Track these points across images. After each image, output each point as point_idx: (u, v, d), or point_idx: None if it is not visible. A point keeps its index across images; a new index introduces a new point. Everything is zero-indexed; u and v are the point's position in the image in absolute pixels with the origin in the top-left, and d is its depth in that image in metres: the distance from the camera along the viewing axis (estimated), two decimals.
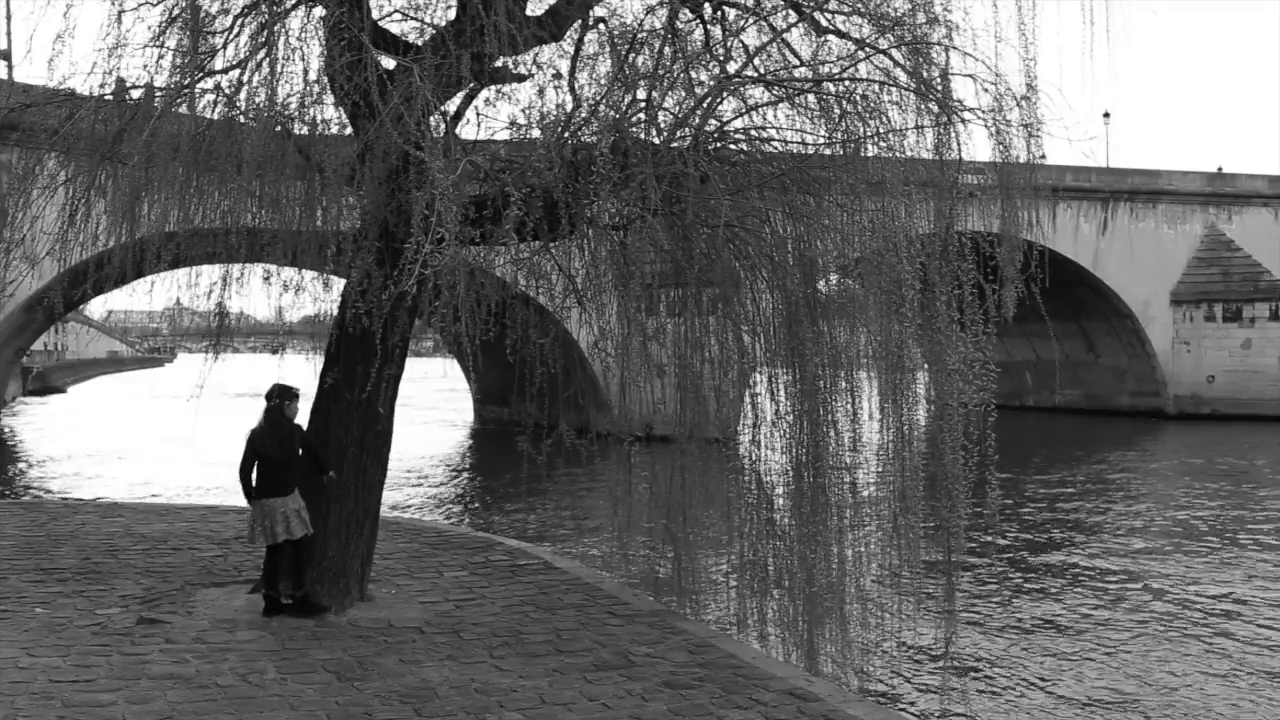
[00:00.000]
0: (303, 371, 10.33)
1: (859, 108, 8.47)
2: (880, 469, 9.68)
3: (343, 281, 9.08)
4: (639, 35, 8.74)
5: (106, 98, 9.17)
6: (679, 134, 8.46)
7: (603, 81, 8.81)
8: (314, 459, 9.06)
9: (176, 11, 8.72)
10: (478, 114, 9.07)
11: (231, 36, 8.83)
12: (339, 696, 6.95)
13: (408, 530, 13.15)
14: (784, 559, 9.27)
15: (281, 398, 9.01)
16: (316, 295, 9.46)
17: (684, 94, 8.54)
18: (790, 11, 8.80)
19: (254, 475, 8.84)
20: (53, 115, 9.60)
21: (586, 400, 12.59)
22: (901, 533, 8.85)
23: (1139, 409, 48.89)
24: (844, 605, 9.01)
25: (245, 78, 8.72)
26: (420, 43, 8.93)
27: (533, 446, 9.41)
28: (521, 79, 9.21)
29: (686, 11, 8.85)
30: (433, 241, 7.07)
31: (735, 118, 8.80)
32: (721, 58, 8.77)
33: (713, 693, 7.19)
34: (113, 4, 8.85)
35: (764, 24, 8.85)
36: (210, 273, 9.69)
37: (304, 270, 9.51)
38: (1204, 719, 10.59)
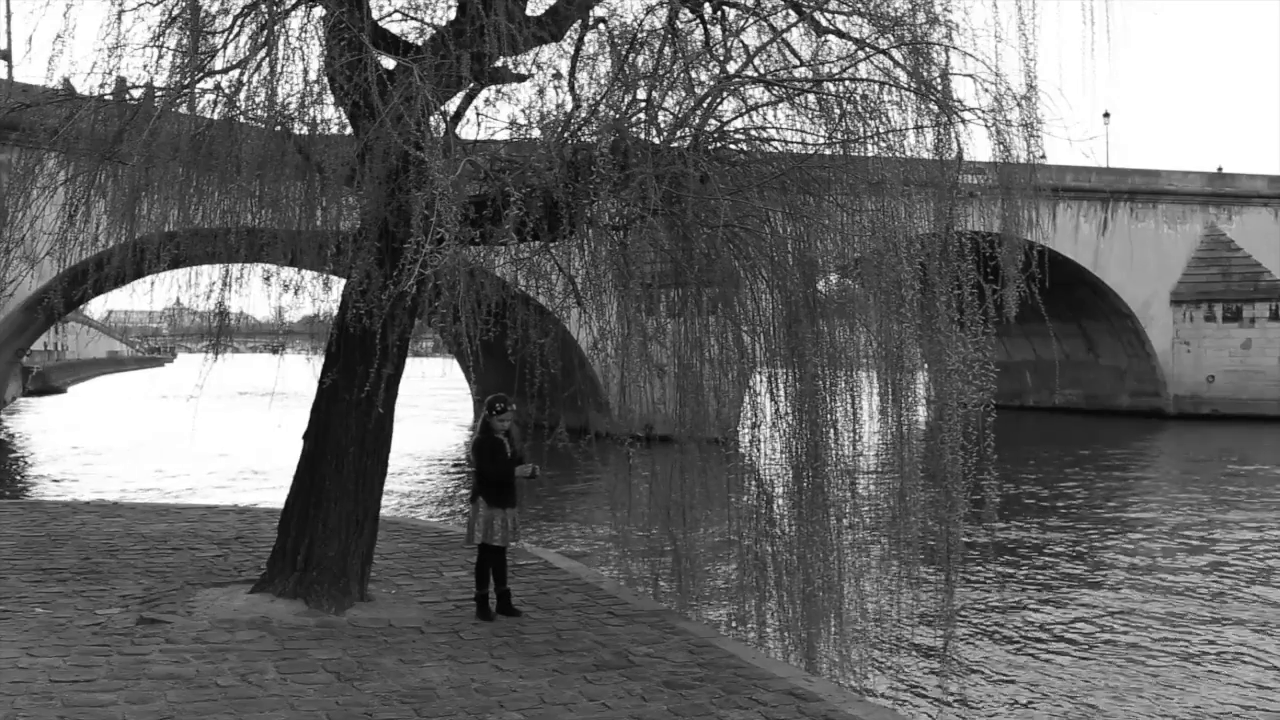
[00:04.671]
0: (303, 371, 10.34)
1: (859, 108, 8.46)
2: (880, 469, 9.69)
3: (343, 281, 9.08)
4: (639, 35, 8.73)
5: (106, 98, 9.16)
6: (679, 134, 8.46)
7: (603, 81, 8.81)
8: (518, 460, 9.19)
9: (176, 11, 8.71)
10: (478, 114, 9.07)
11: (231, 36, 8.82)
12: (339, 696, 6.95)
13: (408, 530, 13.14)
14: (783, 559, 9.26)
15: (489, 409, 9.20)
16: (316, 295, 9.47)
17: (684, 94, 8.53)
18: (790, 11, 8.80)
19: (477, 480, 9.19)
20: (53, 115, 9.58)
21: (586, 400, 12.58)
22: (901, 532, 8.86)
23: (1139, 409, 48.90)
24: (843, 605, 9.00)
25: (245, 78, 8.72)
26: (420, 43, 8.92)
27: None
28: (521, 79, 9.20)
29: (686, 11, 8.84)
30: (433, 241, 7.06)
31: (735, 118, 8.80)
32: (721, 58, 8.77)
33: (713, 693, 7.19)
34: (113, 4, 8.84)
35: (764, 24, 8.84)
36: (210, 273, 9.69)
37: (304, 270, 9.50)
38: (1203, 717, 10.60)
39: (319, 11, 8.75)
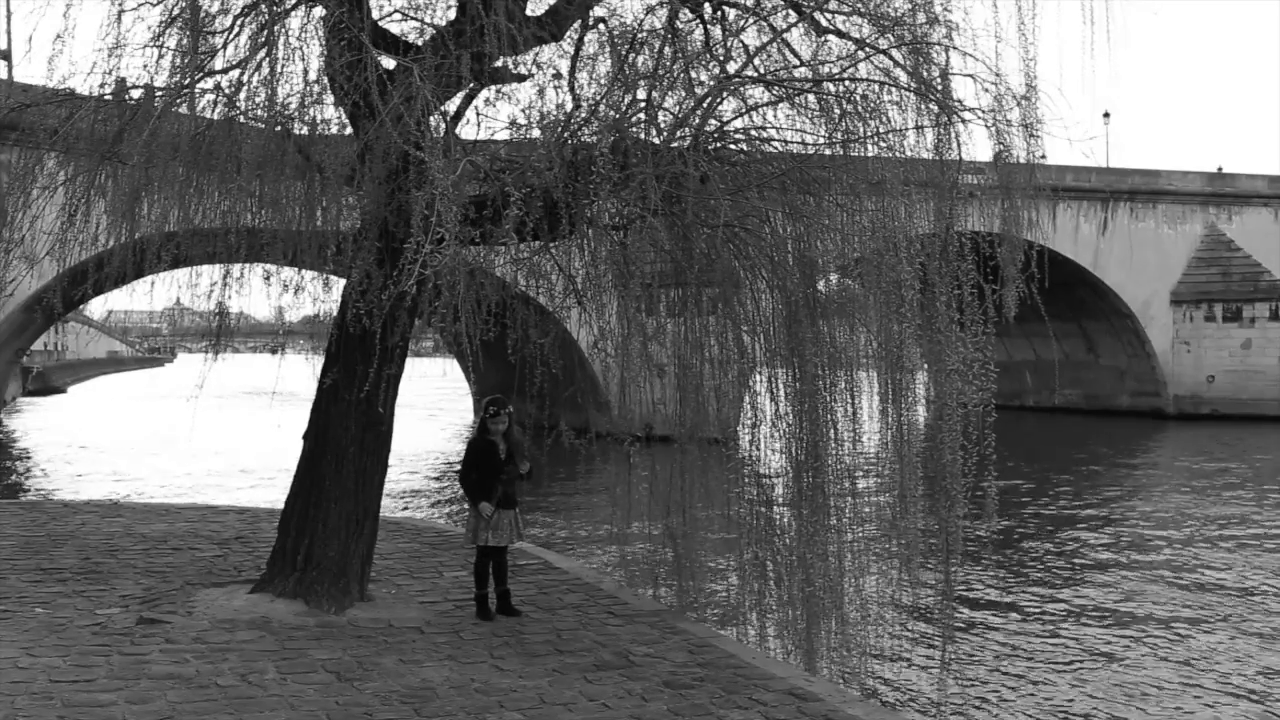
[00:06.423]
0: (303, 371, 10.34)
1: (859, 108, 8.46)
2: (880, 469, 9.69)
3: (343, 281, 9.08)
4: (639, 35, 8.73)
5: (106, 98, 9.16)
6: (679, 134, 8.45)
7: (603, 81, 8.80)
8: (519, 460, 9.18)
9: (176, 11, 8.71)
10: (478, 114, 9.07)
11: (231, 36, 8.82)
12: (339, 696, 6.95)
13: (408, 530, 13.15)
14: (783, 559, 9.27)
15: (485, 411, 9.22)
16: (316, 295, 9.45)
17: (684, 94, 8.53)
18: (790, 11, 8.80)
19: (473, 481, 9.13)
20: (52, 115, 9.58)
21: (586, 400, 12.58)
22: (901, 532, 8.86)
23: (1139, 409, 48.90)
24: (843, 605, 9.01)
25: (245, 78, 8.72)
26: (420, 43, 8.92)
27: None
28: (521, 79, 9.20)
29: (686, 11, 8.84)
30: (433, 241, 7.06)
31: (735, 118, 8.80)
32: (721, 58, 8.77)
33: (713, 693, 7.20)
34: (113, 4, 8.84)
35: (764, 24, 8.84)
36: (210, 273, 9.68)
37: (304, 270, 9.50)
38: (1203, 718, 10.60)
39: (319, 11, 8.75)
